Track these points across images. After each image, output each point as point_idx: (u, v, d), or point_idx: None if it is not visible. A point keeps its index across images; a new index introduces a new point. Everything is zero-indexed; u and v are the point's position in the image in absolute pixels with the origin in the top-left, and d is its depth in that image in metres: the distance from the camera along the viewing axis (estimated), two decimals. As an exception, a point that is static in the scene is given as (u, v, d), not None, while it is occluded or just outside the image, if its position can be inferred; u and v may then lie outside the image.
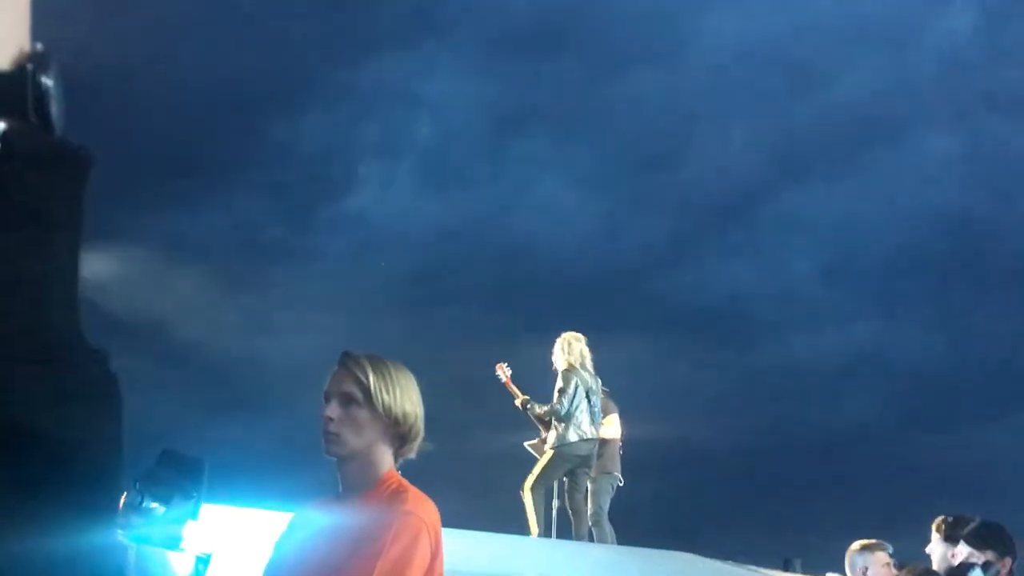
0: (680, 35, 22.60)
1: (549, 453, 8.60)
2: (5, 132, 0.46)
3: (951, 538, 5.42)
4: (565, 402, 8.51)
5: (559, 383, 8.63)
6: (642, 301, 21.91)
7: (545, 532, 8.61)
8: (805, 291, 23.21)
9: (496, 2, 21.70)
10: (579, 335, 8.88)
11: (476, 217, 22.75)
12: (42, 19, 0.51)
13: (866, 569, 5.57)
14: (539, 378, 8.96)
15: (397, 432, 2.70)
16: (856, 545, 5.72)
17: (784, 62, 22.45)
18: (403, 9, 21.77)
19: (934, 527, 5.61)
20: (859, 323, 23.26)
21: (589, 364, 8.80)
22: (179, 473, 3.36)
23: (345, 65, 21.49)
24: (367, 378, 2.67)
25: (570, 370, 8.64)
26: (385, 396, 2.67)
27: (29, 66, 0.48)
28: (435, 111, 22.84)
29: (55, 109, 0.49)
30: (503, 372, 8.99)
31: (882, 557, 5.61)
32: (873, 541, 5.73)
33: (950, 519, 5.55)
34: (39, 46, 0.50)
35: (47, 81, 0.48)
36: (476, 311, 21.08)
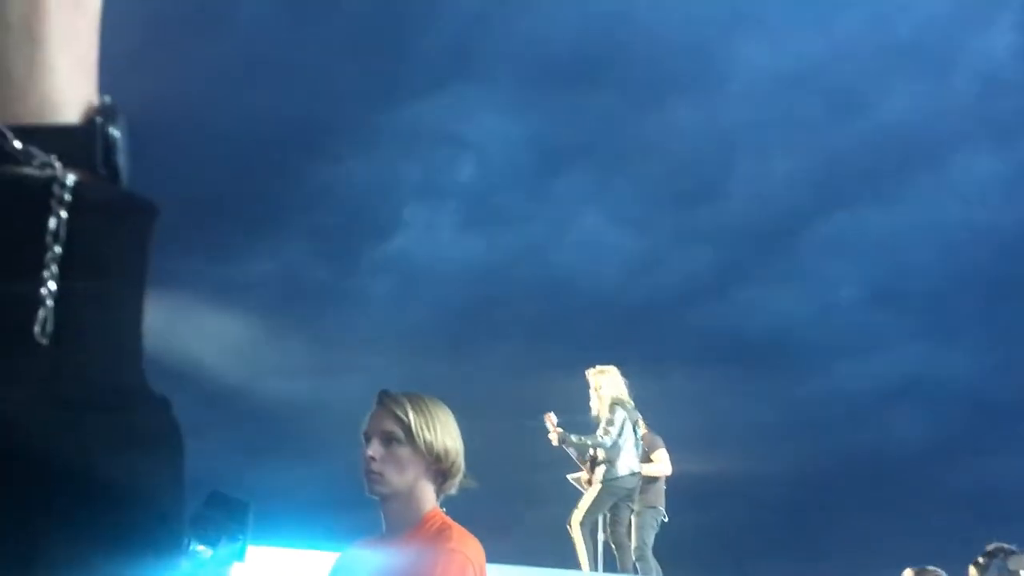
0: (717, 65, 22.61)
1: (597, 487, 8.54)
2: (77, 185, 0.48)
3: (984, 569, 5.37)
4: (613, 433, 8.46)
5: (606, 415, 8.57)
6: (686, 333, 21.79)
7: (592, 566, 8.55)
8: (851, 317, 22.99)
9: (534, 39, 21.83)
10: (613, 368, 8.85)
11: (519, 254, 22.81)
12: (103, 71, 0.54)
13: None
14: (582, 414, 8.90)
15: (439, 469, 2.71)
16: (909, 572, 5.65)
17: (823, 88, 22.38)
18: (442, 49, 22.00)
19: (971, 569, 5.57)
20: (906, 347, 22.97)
21: (627, 396, 8.77)
22: (225, 515, 3.39)
23: (386, 107, 21.71)
24: (407, 416, 2.68)
25: (617, 403, 8.60)
26: (426, 433, 2.68)
27: (98, 119, 0.51)
28: (476, 150, 22.99)
29: (122, 161, 0.52)
30: (550, 422, 8.86)
31: None
32: (928, 568, 5.66)
33: (981, 558, 5.51)
34: (107, 99, 0.52)
35: (115, 133, 0.51)
36: (521, 347, 21.05)
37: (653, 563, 8.78)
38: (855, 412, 21.29)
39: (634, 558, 8.68)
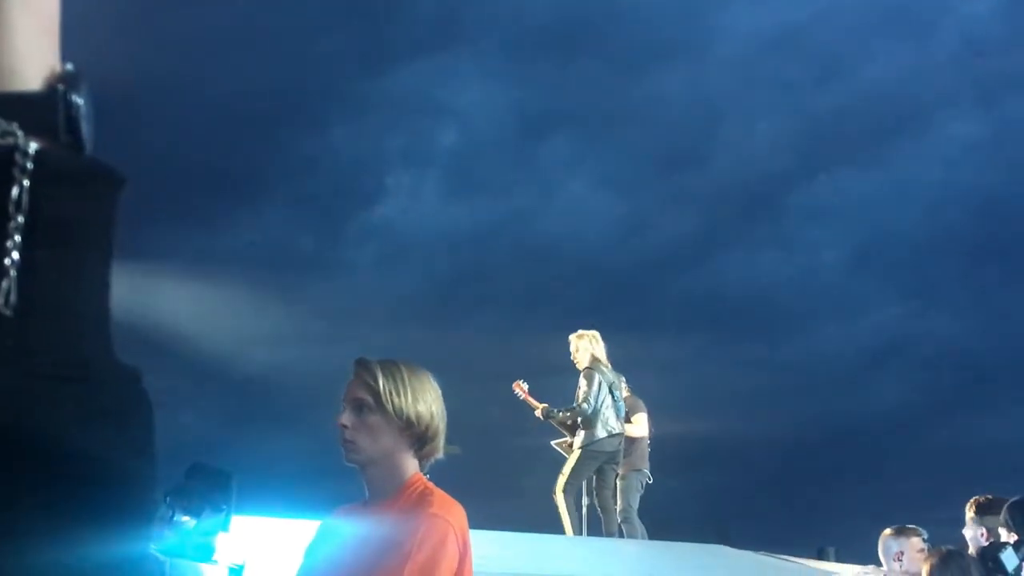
0: (701, 30, 22.55)
1: (577, 452, 8.58)
2: (37, 153, 0.47)
3: (984, 519, 5.40)
4: (592, 400, 8.49)
5: (582, 383, 8.61)
6: (671, 298, 21.90)
7: (576, 530, 8.60)
8: (834, 281, 23.12)
9: (517, 7, 21.71)
10: (593, 332, 8.88)
11: (504, 221, 22.81)
12: (69, 37, 0.53)
13: (901, 553, 5.53)
14: (570, 378, 8.93)
15: (413, 434, 2.70)
16: (889, 530, 5.69)
17: (806, 52, 22.37)
18: (425, 18, 21.86)
19: (967, 508, 5.59)
20: (889, 310, 23.15)
21: (605, 359, 8.80)
22: (209, 486, 3.39)
23: (370, 76, 21.60)
24: (376, 382, 2.68)
25: (592, 368, 8.63)
26: (396, 399, 2.67)
27: (60, 86, 0.50)
28: (460, 118, 22.92)
29: (86, 129, 0.51)
30: (521, 389, 8.95)
31: (917, 543, 5.57)
32: (908, 527, 5.70)
33: (983, 500, 5.53)
34: (69, 66, 0.51)
35: (78, 101, 0.50)
36: (507, 314, 21.11)
37: (638, 525, 8.84)
38: (838, 375, 21.47)
39: (619, 520, 8.74)
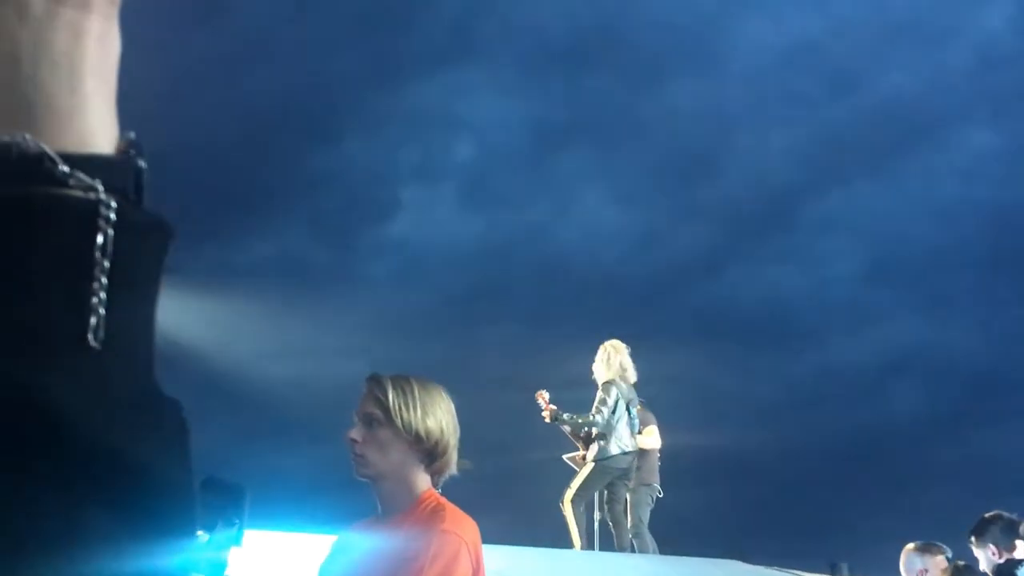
0: (715, 44, 22.57)
1: (590, 466, 8.55)
2: (118, 207, 0.55)
3: (981, 539, 5.39)
4: (606, 412, 8.45)
5: (599, 395, 8.57)
6: (686, 310, 21.86)
7: (587, 544, 8.57)
8: (848, 293, 23.05)
9: (531, 21, 21.78)
10: (621, 344, 8.81)
11: (518, 235, 22.83)
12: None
13: (925, 571, 5.51)
14: (586, 391, 8.91)
15: (422, 449, 2.71)
16: (913, 546, 5.65)
17: (820, 65, 22.35)
18: (440, 33, 21.94)
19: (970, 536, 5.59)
20: (903, 322, 23.05)
21: (632, 375, 8.73)
22: (222, 500, 3.40)
23: (386, 91, 21.65)
24: (386, 397, 2.70)
25: (611, 382, 8.59)
26: (405, 413, 2.69)
27: (132, 151, 0.59)
28: (475, 132, 22.96)
29: (145, 186, 0.59)
30: (543, 399, 8.87)
31: (941, 561, 5.54)
32: (933, 544, 5.66)
33: (974, 536, 5.54)
34: (132, 134, 0.60)
35: (143, 165, 0.59)
36: (522, 328, 21.07)
37: (649, 539, 8.80)
38: (851, 387, 21.39)
39: (630, 535, 8.70)
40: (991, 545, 5.39)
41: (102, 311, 0.54)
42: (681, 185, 23.19)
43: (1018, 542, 5.32)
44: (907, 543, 5.74)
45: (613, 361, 8.68)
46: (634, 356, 8.84)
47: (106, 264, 0.54)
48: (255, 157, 19.97)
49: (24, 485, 0.50)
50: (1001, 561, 5.26)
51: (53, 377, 0.52)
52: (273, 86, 20.20)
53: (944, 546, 5.63)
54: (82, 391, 0.53)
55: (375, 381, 2.75)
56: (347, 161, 22.15)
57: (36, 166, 0.54)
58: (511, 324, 21.35)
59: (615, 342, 8.82)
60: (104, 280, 0.54)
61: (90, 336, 0.53)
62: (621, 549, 8.60)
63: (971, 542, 5.52)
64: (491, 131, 23.00)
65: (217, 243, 19.97)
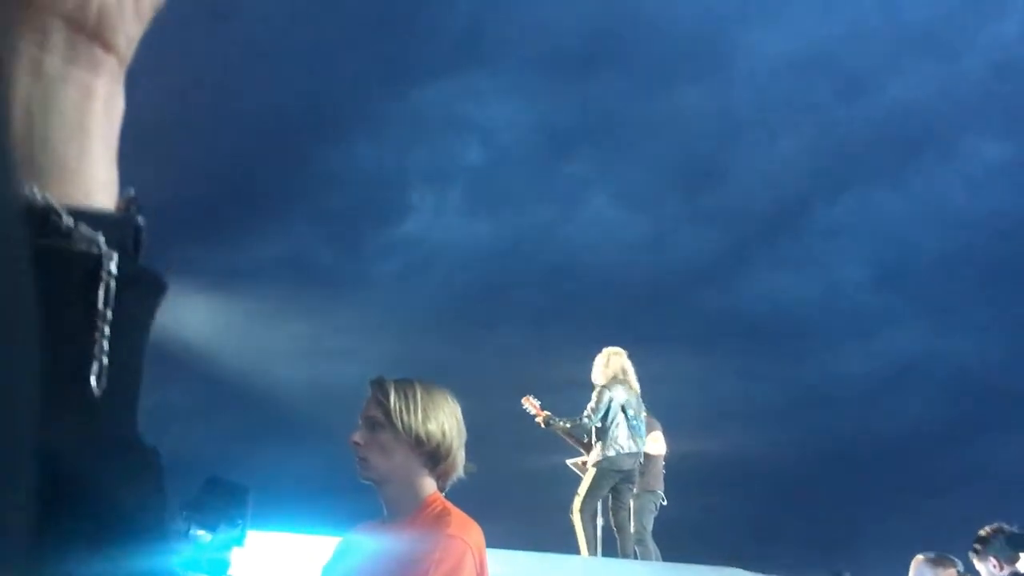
0: (724, 48, 22.56)
1: (592, 471, 8.55)
2: (119, 261, 0.58)
3: (983, 552, 5.38)
4: (595, 417, 8.47)
5: (592, 399, 8.61)
6: (691, 314, 21.82)
7: (591, 550, 8.56)
8: (855, 300, 23.00)
9: (540, 24, 21.77)
10: (620, 350, 8.83)
11: (526, 237, 22.81)
12: None
13: None
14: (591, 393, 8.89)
15: (424, 452, 2.71)
16: (923, 556, 5.63)
17: (830, 71, 22.31)
18: (449, 36, 21.95)
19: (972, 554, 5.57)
20: (911, 329, 22.98)
21: (631, 379, 8.74)
22: (225, 500, 3.40)
23: (394, 93, 21.69)
24: (388, 400, 2.71)
25: (605, 387, 8.61)
26: (406, 417, 2.69)
27: (132, 208, 0.62)
28: (484, 135, 22.98)
29: (143, 242, 0.63)
30: (531, 404, 8.92)
31: (952, 574, 5.52)
32: (945, 556, 5.64)
33: (977, 545, 5.52)
34: (131, 191, 0.63)
35: (142, 223, 0.62)
36: (529, 330, 21.08)
37: (653, 547, 8.79)
38: (858, 394, 21.34)
39: (633, 542, 8.69)
40: (992, 558, 5.37)
41: (104, 360, 0.56)
42: (689, 190, 23.19)
43: (1021, 554, 5.30)
44: (912, 553, 5.72)
45: (610, 367, 8.69)
46: (639, 361, 8.85)
47: (108, 315, 0.57)
48: (265, 159, 20.02)
49: (30, 531, 0.51)
50: (1003, 574, 5.25)
51: (59, 423, 0.54)
52: (284, 87, 20.25)
53: (955, 559, 5.60)
54: (83, 436, 0.56)
55: (378, 384, 2.76)
56: (356, 163, 22.20)
57: (43, 218, 0.56)
58: (518, 326, 21.37)
59: (614, 348, 8.85)
60: (107, 329, 0.57)
61: (93, 382, 0.56)
62: (624, 555, 8.59)
63: (972, 555, 5.50)
64: (500, 134, 23.04)
65: (227, 245, 20.05)
